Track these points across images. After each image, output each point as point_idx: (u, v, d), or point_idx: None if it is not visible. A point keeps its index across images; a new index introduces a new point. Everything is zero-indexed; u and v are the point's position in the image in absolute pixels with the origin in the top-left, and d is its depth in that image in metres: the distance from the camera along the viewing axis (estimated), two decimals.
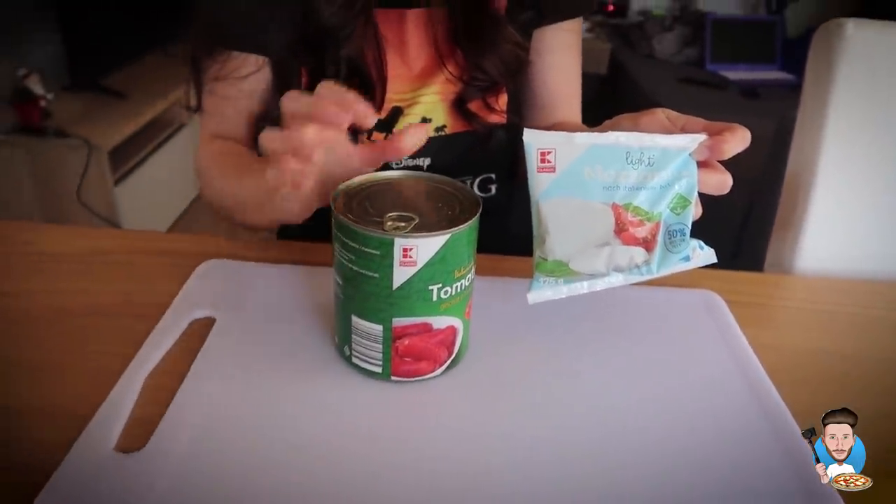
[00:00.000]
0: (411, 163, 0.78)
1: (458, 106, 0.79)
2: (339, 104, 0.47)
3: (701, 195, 0.53)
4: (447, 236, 0.46)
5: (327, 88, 0.48)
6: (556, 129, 0.76)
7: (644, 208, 0.51)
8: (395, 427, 0.48)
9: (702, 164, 0.52)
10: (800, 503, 0.45)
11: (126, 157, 2.17)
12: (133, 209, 2.14)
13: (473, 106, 0.79)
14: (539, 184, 0.51)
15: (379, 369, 0.51)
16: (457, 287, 0.49)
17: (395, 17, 0.76)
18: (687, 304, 0.64)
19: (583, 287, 0.53)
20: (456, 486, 0.43)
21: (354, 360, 0.51)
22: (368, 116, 0.47)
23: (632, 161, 0.51)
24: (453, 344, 0.51)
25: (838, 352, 0.61)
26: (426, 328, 0.49)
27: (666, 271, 0.52)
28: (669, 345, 0.58)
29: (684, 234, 0.52)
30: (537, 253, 0.53)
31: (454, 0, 0.76)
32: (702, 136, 0.51)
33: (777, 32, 2.99)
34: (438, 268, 0.47)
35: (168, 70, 2.59)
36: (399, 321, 0.48)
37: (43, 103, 2.00)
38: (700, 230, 0.55)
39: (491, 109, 0.79)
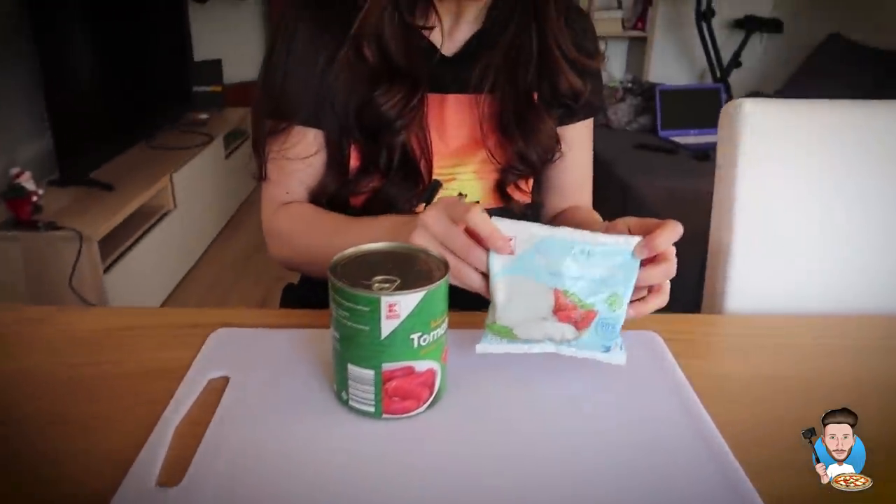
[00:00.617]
0: None
1: (497, 188, 0.89)
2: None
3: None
4: (423, 293, 0.57)
5: (483, 222, 0.61)
6: (571, 213, 0.90)
7: (580, 296, 0.63)
8: (389, 456, 0.58)
9: (646, 261, 0.63)
10: None
11: (115, 244, 2.26)
12: (122, 294, 2.22)
13: (502, 196, 0.90)
14: (499, 262, 0.63)
15: (372, 409, 0.60)
16: (433, 335, 0.59)
17: (437, 101, 0.87)
18: (632, 344, 0.75)
19: (522, 348, 0.66)
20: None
21: (351, 402, 0.61)
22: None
23: (575, 254, 0.62)
24: (433, 384, 0.61)
25: (762, 374, 0.71)
26: (410, 371, 0.59)
27: (586, 354, 0.65)
28: (618, 379, 0.68)
29: (615, 329, 0.64)
30: (490, 315, 0.65)
31: (505, 90, 0.86)
32: (636, 239, 0.63)
33: (722, 98, 3.22)
34: (418, 319, 0.58)
35: (153, 160, 2.72)
36: (387, 366, 0.58)
37: (35, 198, 2.10)
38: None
39: (520, 190, 0.91)
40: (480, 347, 0.66)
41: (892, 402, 0.67)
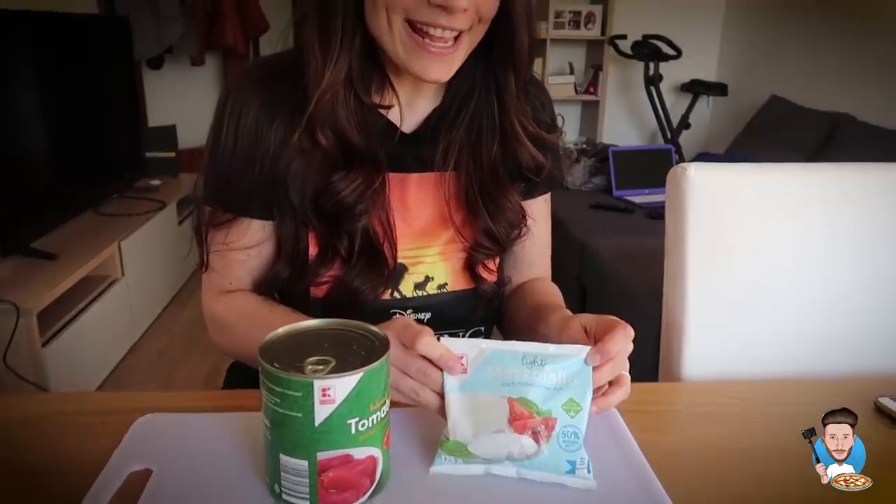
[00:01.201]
0: (413, 317, 0.85)
1: (466, 268, 0.86)
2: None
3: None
4: (360, 374, 0.53)
5: (432, 347, 0.61)
6: (531, 286, 0.87)
7: (535, 402, 0.60)
8: None
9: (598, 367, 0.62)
10: None
11: (56, 316, 2.16)
12: (62, 370, 2.11)
13: (472, 275, 0.87)
14: (452, 380, 0.62)
15: (307, 502, 0.55)
16: (372, 419, 0.55)
17: (398, 180, 0.83)
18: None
19: (479, 470, 0.61)
20: None
21: (284, 496, 0.56)
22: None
23: (526, 362, 0.61)
24: (374, 472, 0.57)
25: (721, 447, 0.68)
26: (348, 459, 0.55)
27: (549, 476, 0.60)
28: None
29: (577, 436, 0.61)
30: (444, 432, 0.62)
31: (469, 167, 0.83)
32: (586, 348, 0.62)
33: (673, 159, 3.30)
34: (355, 403, 0.53)
35: (101, 228, 2.64)
36: (323, 455, 0.54)
37: None
38: None
39: (487, 269, 0.87)
40: (434, 469, 0.62)
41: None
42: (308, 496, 0.55)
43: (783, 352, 0.90)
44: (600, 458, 0.64)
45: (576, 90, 4.04)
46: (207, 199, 0.83)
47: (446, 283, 0.86)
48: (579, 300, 2.63)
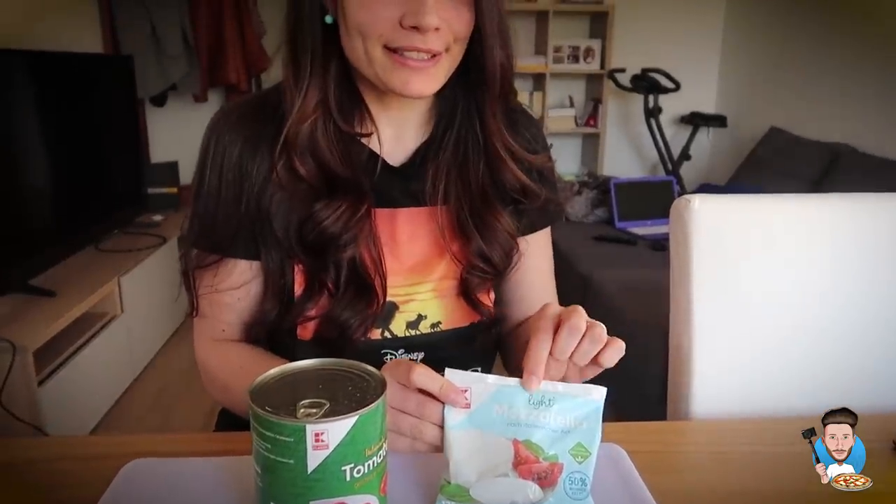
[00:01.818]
0: (406, 357, 0.82)
1: (462, 294, 0.83)
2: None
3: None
4: (355, 418, 0.51)
5: (428, 377, 0.60)
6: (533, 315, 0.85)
7: (541, 446, 0.58)
8: None
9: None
10: None
11: (53, 354, 2.14)
12: (58, 408, 2.08)
13: (468, 302, 0.83)
14: (454, 416, 0.59)
15: None
16: (368, 465, 0.52)
17: (386, 216, 0.81)
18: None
19: None
20: None
21: None
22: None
23: (533, 401, 0.58)
24: None
25: (732, 491, 0.65)
26: None
27: None
28: None
29: (584, 483, 0.58)
30: (443, 475, 0.59)
31: (459, 193, 0.81)
32: (600, 389, 0.59)
33: (674, 190, 3.29)
34: (350, 449, 0.51)
35: (100, 264, 2.62)
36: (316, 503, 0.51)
37: None
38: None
39: (484, 305, 0.84)
40: None
41: None
42: None
43: (795, 387, 0.87)
44: (607, 499, 0.62)
45: (576, 123, 4.05)
46: (194, 242, 0.81)
47: (440, 322, 0.84)
48: None
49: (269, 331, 0.83)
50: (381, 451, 0.54)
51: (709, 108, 4.13)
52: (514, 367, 0.90)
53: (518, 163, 0.82)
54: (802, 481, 0.57)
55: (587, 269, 2.61)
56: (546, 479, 0.57)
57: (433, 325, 0.83)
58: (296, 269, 0.79)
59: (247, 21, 3.63)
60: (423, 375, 0.60)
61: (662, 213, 3.34)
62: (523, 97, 3.93)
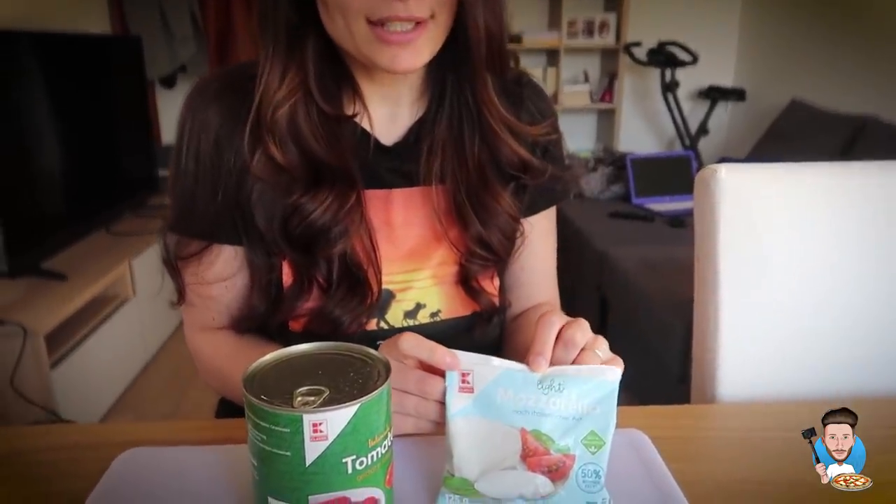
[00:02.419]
0: None
1: (462, 286, 0.79)
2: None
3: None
4: (356, 406, 0.47)
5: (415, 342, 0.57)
6: (538, 310, 0.81)
7: (552, 436, 0.53)
8: None
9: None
10: None
11: (65, 338, 2.13)
12: (71, 391, 2.07)
13: (468, 291, 0.79)
14: (457, 402, 0.55)
15: None
16: (372, 456, 0.49)
17: (380, 198, 0.76)
18: (614, 444, 0.65)
19: None
20: None
21: None
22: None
23: (542, 386, 0.54)
24: None
25: (759, 479, 0.61)
26: (344, 502, 0.48)
27: None
28: None
29: (598, 476, 0.54)
30: (446, 467, 0.55)
31: (455, 171, 0.76)
32: (615, 369, 0.54)
33: (692, 165, 3.22)
34: (351, 439, 0.47)
35: (112, 247, 2.61)
36: (316, 498, 0.48)
37: None
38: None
39: (486, 292, 0.80)
40: None
41: None
42: None
43: (827, 369, 0.82)
44: (630, 488, 0.58)
45: (591, 99, 3.97)
46: (173, 227, 0.76)
47: (440, 311, 0.79)
48: (600, 312, 2.55)
49: (259, 326, 0.79)
50: (385, 442, 0.50)
51: (727, 81, 4.03)
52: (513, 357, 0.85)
53: (516, 136, 0.76)
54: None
55: (603, 246, 2.56)
56: (557, 472, 0.53)
57: (433, 315, 0.79)
58: (284, 263, 0.74)
59: (255, 1, 3.57)
60: (412, 342, 0.57)
61: (680, 188, 3.29)
62: (537, 73, 3.85)
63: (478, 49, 0.71)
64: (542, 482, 0.53)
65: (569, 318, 0.58)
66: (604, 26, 3.80)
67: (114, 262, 2.46)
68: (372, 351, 0.53)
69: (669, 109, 3.72)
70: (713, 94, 3.81)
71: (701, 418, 0.74)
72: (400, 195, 0.77)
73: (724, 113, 4.00)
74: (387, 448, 0.50)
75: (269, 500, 0.49)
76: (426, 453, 0.61)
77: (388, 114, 0.77)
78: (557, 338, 0.56)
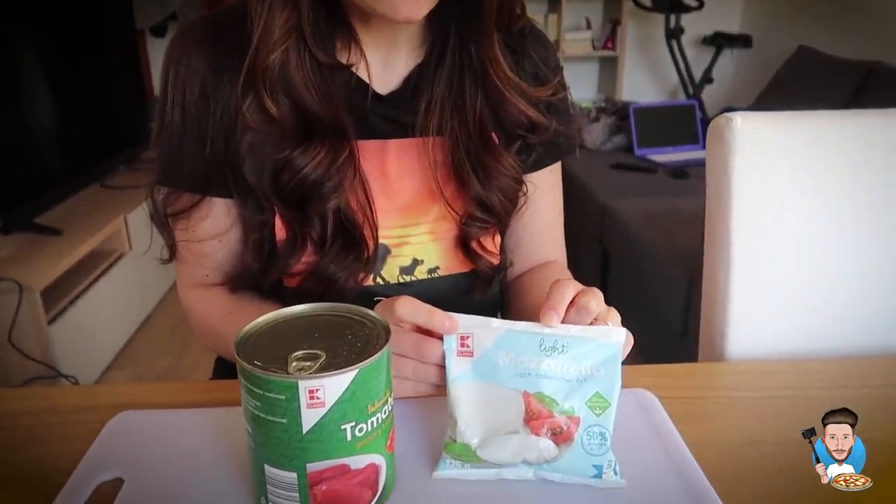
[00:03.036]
0: None
1: (461, 247, 0.76)
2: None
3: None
4: (354, 372, 0.45)
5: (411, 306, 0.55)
6: (544, 270, 0.79)
7: (555, 398, 0.51)
8: None
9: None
10: None
11: (62, 293, 2.11)
12: (70, 347, 2.06)
13: (468, 254, 0.76)
14: (456, 366, 0.53)
15: None
16: (372, 422, 0.47)
17: (375, 148, 0.73)
18: (621, 405, 0.63)
19: (490, 475, 0.53)
20: None
21: None
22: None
23: (545, 347, 0.52)
24: (376, 482, 0.49)
25: (771, 440, 0.59)
26: (344, 470, 0.47)
27: (572, 479, 0.52)
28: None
29: (604, 438, 0.52)
30: (448, 432, 0.53)
31: (454, 127, 0.73)
32: (619, 330, 0.52)
33: (696, 115, 3.16)
34: (350, 406, 0.45)
35: (106, 201, 2.57)
36: (314, 466, 0.46)
37: None
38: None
39: (486, 250, 0.77)
40: (438, 474, 0.53)
41: None
42: None
43: (844, 326, 0.80)
44: (638, 450, 0.56)
45: (593, 46, 3.87)
46: (161, 181, 0.73)
47: (437, 267, 0.76)
48: (601, 264, 2.53)
49: (254, 285, 0.76)
50: (386, 407, 0.48)
51: (733, 27, 3.92)
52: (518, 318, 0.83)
53: (522, 95, 0.73)
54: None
55: (605, 198, 2.52)
56: (561, 435, 0.52)
57: (430, 271, 0.76)
58: (276, 219, 0.71)
59: None
60: (408, 307, 0.55)
61: (683, 139, 3.23)
62: (537, 20, 3.73)
63: (489, 5, 0.67)
64: (545, 445, 0.51)
65: (583, 287, 0.56)
66: None
67: (109, 217, 2.43)
68: (371, 313, 0.51)
69: (673, 57, 3.63)
70: (719, 41, 3.71)
71: (711, 377, 0.72)
72: (395, 146, 0.74)
73: (729, 61, 3.91)
74: (387, 413, 0.48)
75: (266, 467, 0.47)
76: (427, 417, 0.59)
77: (381, 60, 0.73)
78: (571, 302, 0.54)
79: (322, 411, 0.44)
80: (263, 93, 0.66)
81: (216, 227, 0.74)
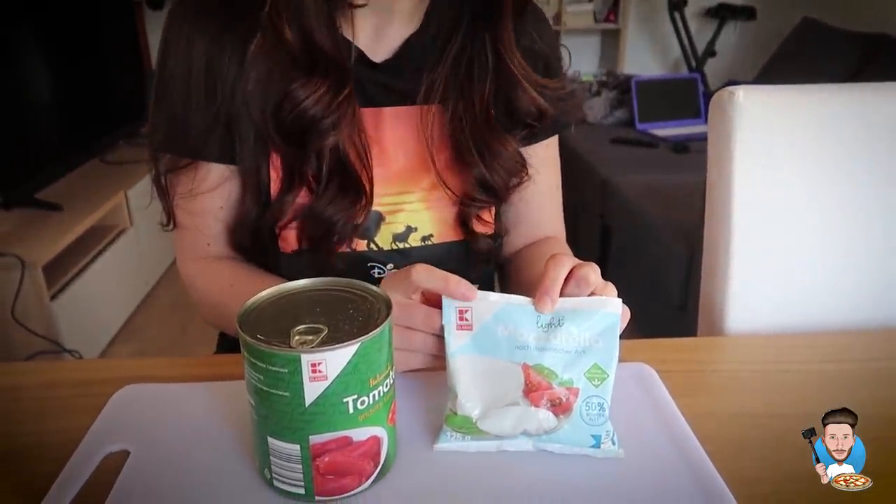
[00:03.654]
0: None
1: (459, 223, 0.76)
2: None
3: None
4: (356, 346, 0.45)
5: (428, 273, 0.54)
6: (542, 245, 0.80)
7: (554, 370, 0.52)
8: None
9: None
10: None
11: (63, 269, 2.11)
12: (73, 322, 2.08)
13: (466, 232, 0.77)
14: (456, 340, 0.53)
15: (302, 490, 0.48)
16: (374, 395, 0.47)
17: (370, 115, 0.73)
18: (620, 379, 0.63)
19: (490, 447, 0.53)
20: None
21: (276, 483, 0.49)
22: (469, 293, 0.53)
23: (542, 321, 0.52)
24: (378, 454, 0.49)
25: (769, 413, 0.60)
26: (346, 442, 0.47)
27: (571, 450, 0.53)
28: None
29: (602, 408, 0.53)
30: (448, 405, 0.54)
31: (457, 106, 0.73)
32: (614, 301, 0.52)
33: (699, 88, 3.13)
34: (352, 378, 0.46)
35: (106, 177, 2.57)
36: (316, 438, 0.46)
37: None
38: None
39: (482, 221, 0.77)
40: (439, 447, 0.54)
41: None
42: (303, 483, 0.48)
43: (844, 300, 0.80)
44: (636, 422, 0.57)
45: (595, 19, 3.83)
46: (162, 146, 0.73)
47: (431, 235, 0.76)
48: (602, 239, 2.53)
49: (252, 233, 0.76)
50: (387, 380, 0.49)
51: None
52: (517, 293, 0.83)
53: (532, 84, 0.73)
54: (854, 404, 0.51)
55: (606, 173, 2.52)
56: (560, 406, 0.52)
57: (424, 239, 0.76)
58: (272, 166, 0.72)
59: None
60: (423, 274, 0.55)
61: (685, 112, 3.21)
62: None
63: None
64: (545, 417, 0.52)
65: (579, 261, 0.56)
66: None
67: (109, 192, 2.43)
68: (373, 287, 0.51)
69: (676, 29, 3.59)
70: (722, 13, 3.66)
71: (710, 351, 0.73)
72: (389, 113, 0.74)
73: (732, 33, 3.86)
74: (389, 387, 0.49)
75: (269, 440, 0.48)
76: (428, 391, 0.60)
77: (375, 30, 0.73)
78: (569, 276, 0.54)
79: (324, 384, 0.45)
80: (281, 17, 0.66)
81: (217, 183, 0.75)
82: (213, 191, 0.75)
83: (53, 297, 2.01)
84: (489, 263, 0.83)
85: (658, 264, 2.05)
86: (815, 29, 3.16)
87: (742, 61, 3.90)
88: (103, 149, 2.76)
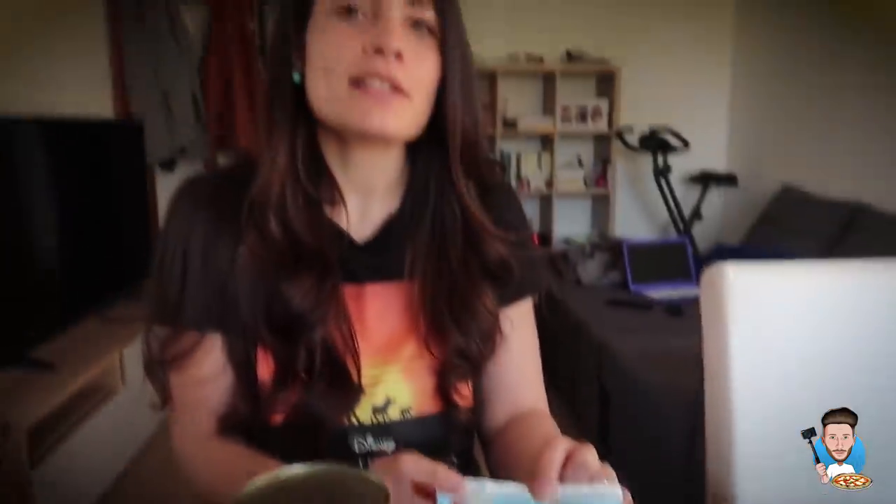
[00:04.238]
0: (376, 448, 0.75)
1: (438, 392, 0.77)
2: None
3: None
4: None
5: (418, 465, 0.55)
6: (527, 424, 0.79)
7: None
8: None
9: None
10: None
11: (48, 432, 2.05)
12: (53, 489, 1.97)
13: (445, 401, 0.77)
14: None
15: None
16: None
17: (352, 293, 0.75)
18: None
19: None
20: None
21: None
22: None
23: None
24: None
25: None
26: None
27: None
28: None
29: None
30: None
31: (434, 272, 0.76)
32: (613, 489, 0.52)
33: (688, 251, 3.22)
34: None
35: (103, 335, 2.56)
36: None
37: None
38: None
39: (460, 394, 0.78)
40: None
41: None
42: None
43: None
44: None
45: (585, 184, 4.02)
46: (161, 319, 0.75)
47: (410, 407, 0.76)
48: (600, 404, 2.48)
49: (241, 426, 0.76)
50: None
51: (719, 166, 4.10)
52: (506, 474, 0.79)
53: (496, 234, 0.78)
54: None
55: (602, 336, 2.52)
56: None
57: (403, 411, 0.76)
58: (262, 359, 0.73)
59: (256, 86, 3.66)
60: (412, 465, 0.55)
61: (677, 275, 3.28)
62: (531, 158, 3.91)
63: (453, 140, 0.73)
64: None
65: (575, 443, 0.55)
66: (597, 112, 3.89)
67: (104, 351, 2.40)
68: (369, 475, 0.50)
69: (662, 194, 3.76)
70: (705, 179, 3.86)
71: None
72: (371, 290, 0.77)
73: (717, 198, 4.05)
74: None
75: None
76: None
77: (358, 205, 0.78)
78: (567, 460, 0.53)
79: None
80: (267, 219, 0.71)
81: (212, 367, 0.75)
82: (210, 370, 0.75)
83: (34, 466, 1.92)
84: (470, 435, 0.83)
85: (659, 430, 2.00)
86: (795, 195, 3.31)
87: (729, 224, 4.05)
88: (104, 305, 2.77)
